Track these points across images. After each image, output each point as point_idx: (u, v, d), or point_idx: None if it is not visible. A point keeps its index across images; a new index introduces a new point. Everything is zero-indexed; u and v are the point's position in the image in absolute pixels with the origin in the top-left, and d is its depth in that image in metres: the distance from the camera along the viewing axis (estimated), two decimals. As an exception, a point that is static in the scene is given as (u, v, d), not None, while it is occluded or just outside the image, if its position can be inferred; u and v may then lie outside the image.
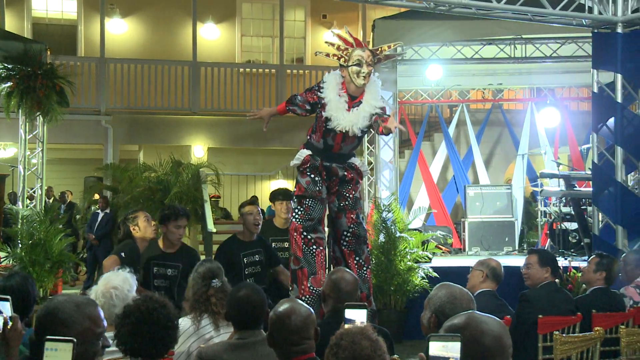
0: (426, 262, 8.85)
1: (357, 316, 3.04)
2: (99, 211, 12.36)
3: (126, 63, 15.16)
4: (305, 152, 5.95)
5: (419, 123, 13.48)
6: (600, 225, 8.57)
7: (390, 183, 11.03)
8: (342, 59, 5.77)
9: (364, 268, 6.03)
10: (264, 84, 15.74)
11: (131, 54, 15.90)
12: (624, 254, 6.92)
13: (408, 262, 8.44)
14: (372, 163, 11.56)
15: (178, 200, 11.29)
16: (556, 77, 13.54)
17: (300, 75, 16.12)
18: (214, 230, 10.57)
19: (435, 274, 8.35)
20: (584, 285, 6.13)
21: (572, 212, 10.73)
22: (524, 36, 11.19)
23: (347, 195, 5.99)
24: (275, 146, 15.92)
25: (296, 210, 5.99)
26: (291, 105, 5.97)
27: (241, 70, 15.92)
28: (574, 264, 8.48)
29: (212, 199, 13.88)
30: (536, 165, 13.34)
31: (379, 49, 5.88)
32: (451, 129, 13.45)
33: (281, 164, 15.80)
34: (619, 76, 8.28)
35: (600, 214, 8.58)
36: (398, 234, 8.62)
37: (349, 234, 6.02)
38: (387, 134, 5.96)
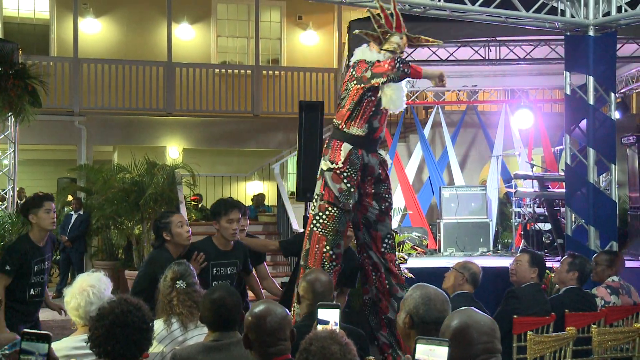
0: (402, 263, 8.88)
1: (330, 316, 3.02)
2: (72, 212, 12.26)
3: (100, 63, 15.06)
4: (348, 147, 5.30)
5: (394, 124, 13.50)
6: (573, 226, 8.65)
7: (365, 184, 11.02)
8: (378, 40, 5.30)
9: (401, 272, 5.78)
10: (239, 85, 15.72)
11: (105, 54, 15.78)
12: (595, 254, 7.01)
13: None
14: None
15: (153, 201, 11.26)
16: (530, 79, 13.66)
17: (276, 77, 16.12)
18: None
19: (410, 275, 8.37)
20: (556, 285, 6.19)
21: (546, 213, 10.84)
22: (498, 38, 11.27)
23: (386, 196, 5.54)
24: (251, 147, 15.91)
25: (317, 218, 5.34)
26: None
27: (216, 71, 15.88)
28: (548, 264, 8.55)
29: (192, 201, 13.86)
30: (510, 166, 13.44)
31: (416, 39, 5.48)
32: (426, 131, 13.50)
33: (257, 165, 15.80)
34: (591, 78, 8.36)
35: (573, 214, 8.66)
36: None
37: (390, 237, 5.61)
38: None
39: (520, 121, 13.27)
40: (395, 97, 5.27)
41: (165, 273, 4.16)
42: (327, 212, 5.28)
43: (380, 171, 5.48)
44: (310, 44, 17.30)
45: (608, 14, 8.13)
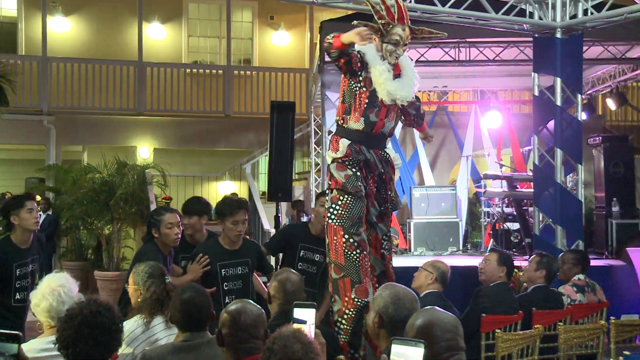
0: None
1: (306, 315, 2.98)
2: (40, 213, 12.11)
3: (69, 62, 14.92)
4: (346, 143, 5.05)
5: (365, 124, 13.59)
6: (540, 225, 8.74)
7: (337, 184, 11.05)
8: (380, 32, 4.99)
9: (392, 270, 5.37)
10: (210, 84, 15.65)
11: (75, 52, 15.62)
12: (561, 253, 7.10)
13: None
14: (319, 164, 11.60)
15: (123, 201, 11.18)
16: (499, 80, 13.76)
17: (247, 77, 16.08)
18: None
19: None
20: (525, 284, 6.26)
21: (514, 213, 10.94)
22: (468, 40, 11.35)
23: (386, 197, 5.21)
24: (222, 147, 15.86)
25: (332, 210, 5.07)
26: (350, 49, 4.90)
27: (188, 70, 15.81)
28: (516, 263, 8.64)
29: (164, 201, 13.78)
30: (480, 166, 13.54)
31: (420, 30, 5.16)
32: (397, 131, 13.56)
33: (228, 165, 15.73)
34: (559, 80, 8.46)
35: (540, 214, 8.75)
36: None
37: (388, 238, 5.34)
38: (422, 138, 5.73)
39: (490, 122, 13.39)
40: (386, 86, 4.98)
41: (146, 271, 4.08)
42: (339, 202, 5.01)
43: (382, 170, 5.14)
44: (282, 44, 17.29)
45: (575, 16, 8.23)
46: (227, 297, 5.04)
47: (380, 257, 5.25)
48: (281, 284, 4.05)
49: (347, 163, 5.03)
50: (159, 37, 16.56)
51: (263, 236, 10.97)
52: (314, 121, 12.44)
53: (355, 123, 5.02)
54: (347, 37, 4.71)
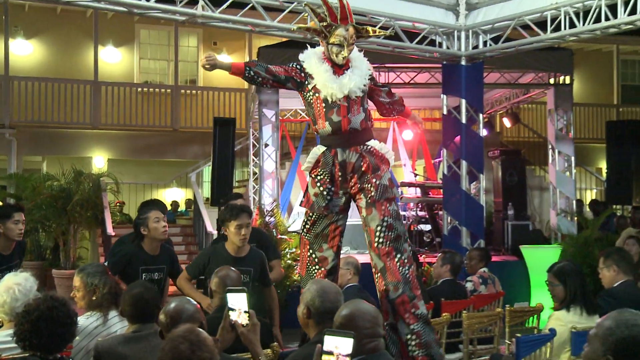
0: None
1: (238, 300, 2.91)
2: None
3: (30, 81, 14.49)
4: (318, 150, 4.53)
5: (297, 138, 13.55)
6: (448, 227, 8.90)
7: (272, 191, 11.05)
8: (323, 34, 4.46)
9: (407, 267, 4.40)
10: (160, 102, 15.45)
11: (36, 72, 15.13)
12: (467, 251, 7.26)
13: (288, 261, 8.45)
14: (257, 173, 11.54)
15: (79, 206, 10.92)
16: (413, 101, 13.89)
17: (193, 95, 15.92)
18: (113, 233, 10.29)
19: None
20: (435, 278, 6.38)
21: (427, 216, 11.11)
22: (387, 65, 11.50)
23: (369, 186, 4.42)
24: (170, 158, 15.68)
25: (304, 224, 4.64)
26: (255, 68, 4.41)
27: (139, 89, 15.53)
28: (428, 259, 8.78)
29: (117, 205, 13.54)
30: (397, 175, 13.69)
31: (364, 30, 4.60)
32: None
33: (175, 174, 15.56)
34: (464, 101, 8.66)
35: (449, 217, 8.91)
36: (279, 236, 8.64)
37: (384, 228, 4.38)
38: (412, 124, 5.02)
39: (406, 136, 13.59)
40: (328, 85, 4.42)
41: (95, 271, 3.93)
42: (308, 217, 4.59)
43: (362, 163, 4.44)
44: (224, 67, 17.14)
45: (477, 47, 8.44)
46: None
47: (378, 252, 4.42)
48: (222, 280, 4.05)
49: (318, 179, 4.52)
50: (113, 60, 16.22)
51: (207, 238, 10.84)
52: (252, 135, 12.37)
53: (323, 129, 4.47)
54: (220, 66, 4.42)
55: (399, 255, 4.35)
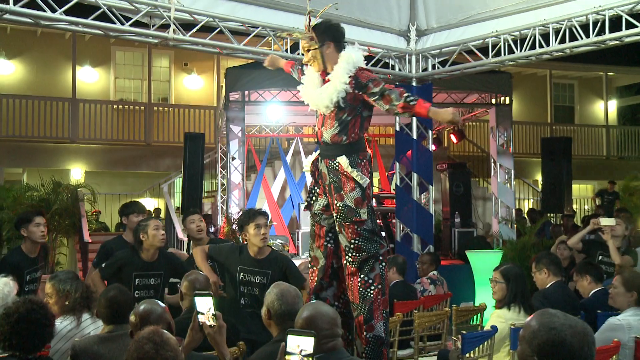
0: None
1: (205, 304, 2.86)
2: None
3: (12, 98, 14.22)
4: (312, 157, 4.28)
5: (262, 152, 13.53)
6: (401, 234, 8.95)
7: (239, 201, 11.01)
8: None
9: (371, 287, 3.98)
10: (134, 118, 15.31)
11: (18, 90, 14.84)
12: (419, 256, 7.32)
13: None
14: (224, 185, 11.48)
15: (58, 215, 10.72)
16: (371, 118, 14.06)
17: (165, 112, 15.80)
18: (89, 240, 10.13)
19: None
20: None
21: (381, 224, 11.16)
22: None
23: (334, 206, 4.06)
24: (143, 170, 15.52)
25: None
26: (297, 65, 4.46)
27: (115, 106, 15.35)
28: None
29: (94, 214, 13.32)
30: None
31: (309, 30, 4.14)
32: (288, 157, 13.57)
33: (148, 185, 15.40)
34: (414, 119, 8.74)
35: (401, 225, 8.97)
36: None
37: (351, 250, 4.01)
38: (448, 122, 3.99)
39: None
40: (302, 91, 4.25)
41: (67, 278, 3.85)
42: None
43: (328, 179, 4.08)
44: (194, 86, 17.04)
45: (426, 69, 8.55)
46: (242, 299, 4.55)
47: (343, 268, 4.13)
48: (191, 283, 4.01)
49: (312, 179, 4.30)
50: (90, 79, 15.99)
51: (178, 244, 10.71)
52: (220, 149, 12.30)
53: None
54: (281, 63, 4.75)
55: (362, 276, 3.98)
